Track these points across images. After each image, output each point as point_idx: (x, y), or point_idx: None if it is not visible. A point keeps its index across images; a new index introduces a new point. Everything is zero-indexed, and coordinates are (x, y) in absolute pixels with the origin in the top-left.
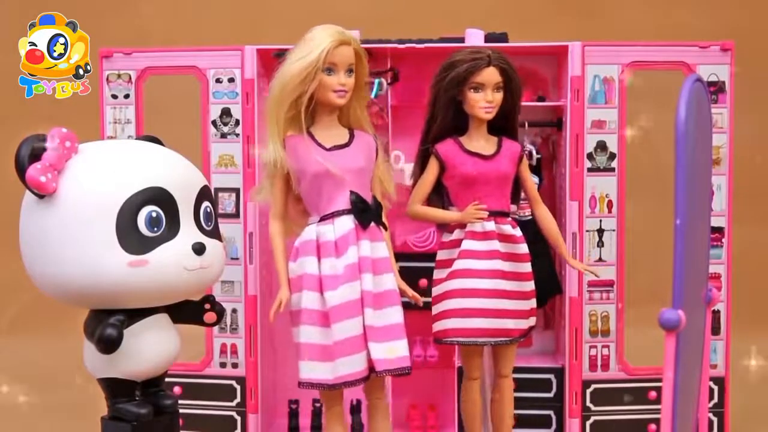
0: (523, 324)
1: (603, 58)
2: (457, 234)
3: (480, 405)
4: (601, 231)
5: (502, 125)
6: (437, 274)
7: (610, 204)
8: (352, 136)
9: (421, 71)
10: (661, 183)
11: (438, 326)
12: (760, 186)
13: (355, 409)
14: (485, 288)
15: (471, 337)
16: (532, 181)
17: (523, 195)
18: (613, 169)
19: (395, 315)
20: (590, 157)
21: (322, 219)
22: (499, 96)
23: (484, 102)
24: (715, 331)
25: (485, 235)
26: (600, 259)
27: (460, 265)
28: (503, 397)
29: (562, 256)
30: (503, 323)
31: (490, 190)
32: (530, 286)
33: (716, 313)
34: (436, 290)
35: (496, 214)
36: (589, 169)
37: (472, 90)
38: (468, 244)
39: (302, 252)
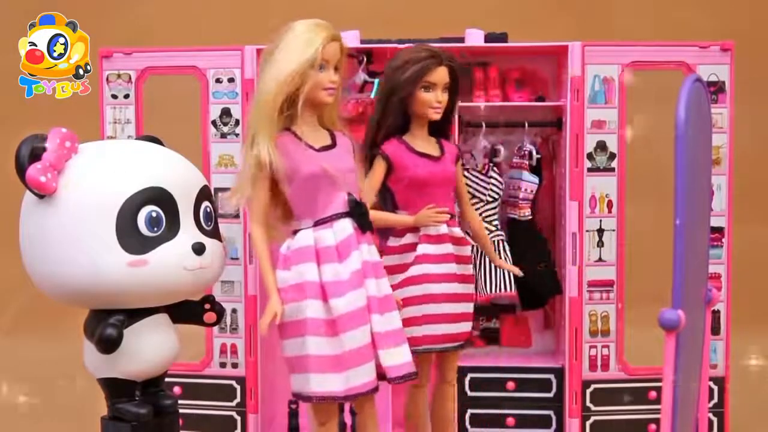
0: (468, 327)
1: (603, 58)
2: (409, 238)
3: (426, 414)
4: (601, 231)
5: (440, 126)
6: (389, 281)
7: (610, 204)
8: (333, 137)
9: None
10: (661, 183)
11: None
12: (760, 186)
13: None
14: (441, 293)
15: (430, 344)
16: (463, 181)
17: (522, 195)
18: (613, 169)
19: (397, 319)
20: (590, 157)
21: (318, 223)
22: (446, 96)
23: (435, 102)
24: (715, 331)
25: (439, 239)
26: (600, 259)
27: (417, 270)
28: (446, 403)
29: (488, 255)
30: (457, 327)
31: (439, 191)
32: (472, 288)
33: (716, 313)
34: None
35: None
36: (589, 169)
37: (423, 89)
38: (424, 248)
39: (297, 259)
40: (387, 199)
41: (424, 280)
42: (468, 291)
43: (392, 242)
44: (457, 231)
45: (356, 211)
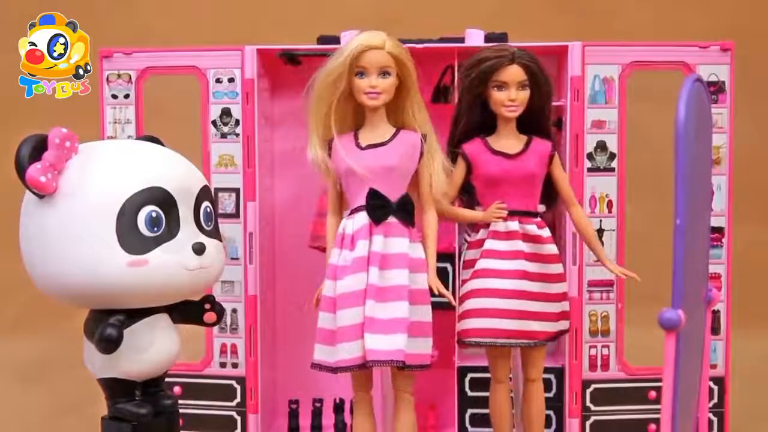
0: (551, 327)
1: (603, 58)
2: (482, 234)
3: (508, 410)
4: (601, 231)
5: (531, 124)
6: (464, 275)
7: (610, 204)
8: (394, 136)
9: (421, 71)
10: (661, 183)
11: (459, 326)
12: (760, 186)
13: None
14: (507, 288)
15: (491, 337)
16: (566, 180)
17: None
18: (613, 169)
19: (399, 310)
20: (590, 157)
21: (350, 213)
22: (523, 94)
23: (507, 100)
24: (715, 331)
25: (508, 235)
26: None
27: (482, 264)
28: (531, 401)
29: (599, 260)
30: (527, 325)
31: (514, 189)
32: (559, 288)
33: (716, 313)
34: (462, 290)
35: (521, 214)
36: (589, 169)
37: (495, 88)
38: (490, 244)
39: (332, 244)
40: (471, 195)
41: (487, 274)
42: (546, 290)
43: (471, 237)
44: (532, 228)
45: (370, 205)
